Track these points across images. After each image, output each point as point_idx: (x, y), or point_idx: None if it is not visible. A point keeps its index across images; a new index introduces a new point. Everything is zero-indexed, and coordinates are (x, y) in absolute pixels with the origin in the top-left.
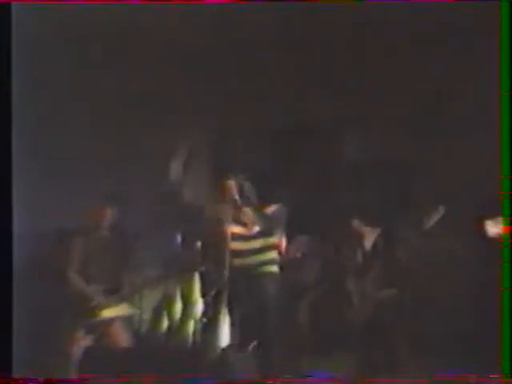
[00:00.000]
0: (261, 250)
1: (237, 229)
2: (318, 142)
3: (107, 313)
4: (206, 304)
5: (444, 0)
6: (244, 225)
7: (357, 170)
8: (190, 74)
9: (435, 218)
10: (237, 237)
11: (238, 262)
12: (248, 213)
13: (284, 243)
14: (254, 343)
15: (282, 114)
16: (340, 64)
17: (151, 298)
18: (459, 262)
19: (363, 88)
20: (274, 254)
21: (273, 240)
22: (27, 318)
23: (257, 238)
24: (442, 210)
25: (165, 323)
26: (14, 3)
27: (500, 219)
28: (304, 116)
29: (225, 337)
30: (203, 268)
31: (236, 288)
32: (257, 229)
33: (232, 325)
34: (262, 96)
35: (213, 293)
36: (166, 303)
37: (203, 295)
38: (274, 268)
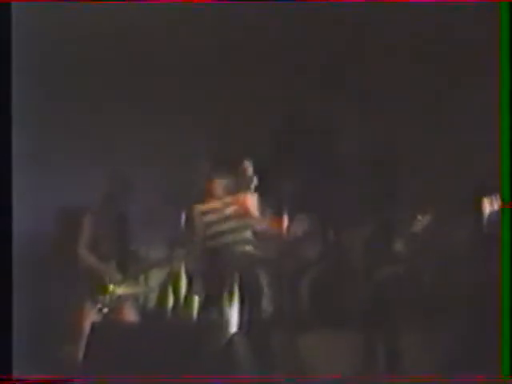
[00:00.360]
0: (235, 230)
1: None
2: (317, 141)
3: (118, 290)
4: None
5: (444, 0)
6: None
7: (357, 157)
8: (190, 73)
9: (424, 221)
10: (214, 217)
11: (212, 242)
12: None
13: (286, 222)
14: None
15: (282, 115)
16: (340, 64)
17: (158, 276)
18: (460, 246)
19: (363, 88)
20: (248, 234)
21: (248, 221)
22: (28, 312)
23: (232, 219)
24: (430, 216)
25: (170, 300)
26: (14, 3)
27: (497, 197)
28: (303, 116)
29: (228, 314)
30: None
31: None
32: (231, 210)
33: (235, 303)
34: (261, 95)
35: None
36: (172, 280)
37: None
38: (248, 247)
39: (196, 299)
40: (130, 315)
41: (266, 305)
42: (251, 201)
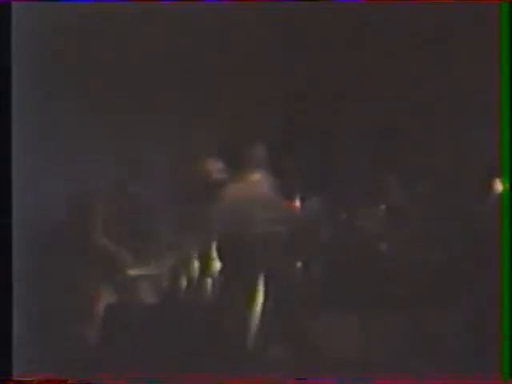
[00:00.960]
0: (248, 214)
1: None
2: (317, 141)
3: (133, 272)
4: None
5: (444, 0)
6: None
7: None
8: (190, 73)
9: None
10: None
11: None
12: None
13: (298, 204)
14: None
15: (282, 115)
16: (340, 64)
17: (171, 258)
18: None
19: (363, 88)
20: (262, 217)
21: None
22: (29, 309)
23: (245, 203)
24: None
25: (183, 282)
26: (14, 3)
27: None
28: (304, 116)
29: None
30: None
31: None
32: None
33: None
34: (261, 95)
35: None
36: (184, 262)
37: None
38: (263, 230)
39: (210, 282)
40: (146, 297)
41: (283, 288)
42: (264, 184)
